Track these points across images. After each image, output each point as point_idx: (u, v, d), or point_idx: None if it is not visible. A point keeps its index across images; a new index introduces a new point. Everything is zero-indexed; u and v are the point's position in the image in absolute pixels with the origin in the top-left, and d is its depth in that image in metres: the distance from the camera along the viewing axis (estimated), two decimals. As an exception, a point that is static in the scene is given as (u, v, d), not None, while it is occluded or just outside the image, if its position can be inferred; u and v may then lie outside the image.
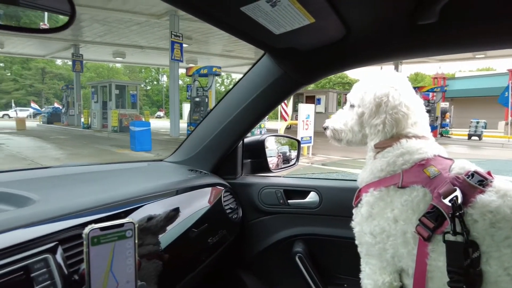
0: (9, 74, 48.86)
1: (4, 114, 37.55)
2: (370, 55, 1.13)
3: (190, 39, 17.28)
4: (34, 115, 32.35)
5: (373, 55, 1.12)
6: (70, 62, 23.45)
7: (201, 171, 1.44)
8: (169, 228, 1.00)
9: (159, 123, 25.33)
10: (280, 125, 11.44)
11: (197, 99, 13.42)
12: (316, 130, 10.27)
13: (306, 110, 9.54)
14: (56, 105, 27.12)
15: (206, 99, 13.31)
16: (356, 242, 1.03)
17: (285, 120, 12.27)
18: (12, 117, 31.71)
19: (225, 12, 0.83)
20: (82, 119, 20.43)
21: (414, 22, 0.86)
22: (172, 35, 13.06)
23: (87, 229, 0.62)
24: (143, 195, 1.00)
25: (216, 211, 1.30)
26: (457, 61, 25.97)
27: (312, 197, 1.46)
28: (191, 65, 18.58)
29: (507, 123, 16.97)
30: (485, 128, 17.19)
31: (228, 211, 1.36)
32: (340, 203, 1.38)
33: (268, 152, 1.72)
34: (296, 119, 9.78)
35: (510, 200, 0.78)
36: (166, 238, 0.97)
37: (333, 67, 1.23)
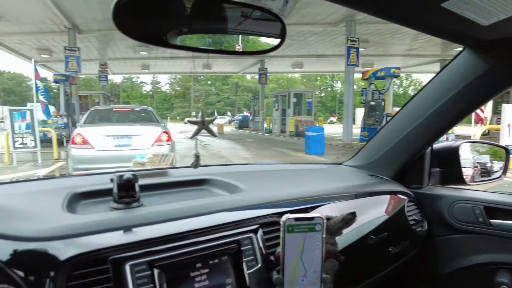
0: (213, 89, 60.95)
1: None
2: None
3: (367, 42, 16.85)
4: (229, 122, 39.06)
5: None
6: (256, 76, 27.06)
7: (382, 177, 1.38)
8: (346, 230, 1.00)
9: (332, 129, 25.75)
10: (474, 131, 9.62)
11: (372, 103, 12.91)
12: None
13: (514, 112, 7.65)
14: (245, 113, 31.91)
15: (383, 102, 12.62)
16: None
17: (482, 124, 10.21)
18: (214, 123, 39.29)
19: (424, 12, 0.78)
20: (265, 125, 23.09)
21: None
22: (349, 41, 13.08)
23: (284, 218, 0.71)
24: (325, 194, 1.06)
25: (398, 220, 1.23)
26: None
27: None
28: (367, 68, 18.06)
29: None
30: None
31: (411, 222, 1.26)
32: None
33: (461, 162, 1.50)
34: (497, 123, 7.98)
35: None
36: (343, 239, 0.98)
37: None
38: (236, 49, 0.76)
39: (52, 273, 0.57)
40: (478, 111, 10.35)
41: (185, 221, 0.75)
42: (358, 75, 17.15)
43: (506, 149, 1.56)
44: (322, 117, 30.70)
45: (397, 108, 11.33)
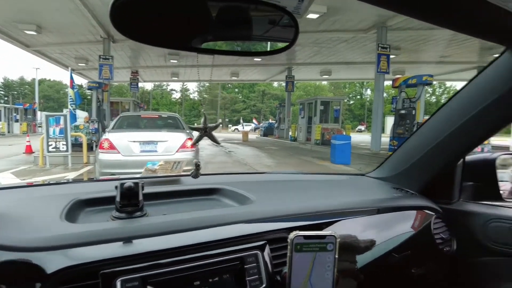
0: (240, 97, 61.58)
1: (235, 129, 47.53)
2: None
3: (398, 49, 16.39)
4: (255, 129, 39.18)
5: None
6: (283, 84, 26.98)
7: (408, 190, 1.28)
8: (366, 247, 0.93)
9: (360, 137, 25.19)
10: (514, 143, 9.04)
11: (403, 111, 12.48)
12: None
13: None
14: (270, 121, 31.86)
15: (413, 111, 12.16)
16: None
17: (523, 136, 9.58)
18: (240, 130, 39.48)
19: (460, 7, 0.69)
20: (290, 133, 22.91)
21: None
22: (379, 48, 12.79)
23: (292, 235, 0.65)
24: (343, 208, 0.98)
25: (422, 238, 1.12)
26: None
27: None
28: (397, 76, 17.56)
29: None
30: None
31: (438, 241, 1.15)
32: None
33: (498, 175, 1.37)
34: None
35: None
36: (362, 258, 0.91)
37: None
38: (242, 50, 0.71)
39: (38, 286, 0.54)
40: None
41: (188, 233, 0.71)
42: (388, 83, 16.67)
43: (550, 163, 1.41)
44: (349, 125, 30.07)
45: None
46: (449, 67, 21.40)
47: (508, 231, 1.15)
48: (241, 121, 47.80)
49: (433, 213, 1.19)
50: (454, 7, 0.68)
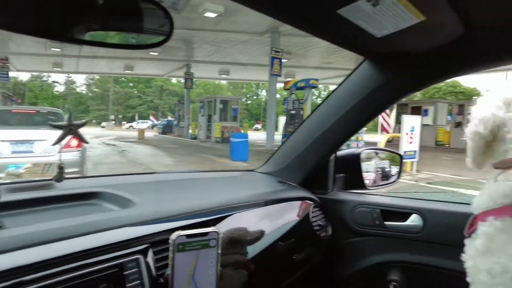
0: (135, 92, 57.81)
1: (129, 126, 44.35)
2: (495, 57, 0.94)
3: (290, 53, 17.68)
4: (152, 126, 37.35)
5: (498, 56, 0.93)
6: (183, 80, 26.44)
7: (290, 183, 1.40)
8: (255, 239, 0.98)
9: (256, 135, 26.41)
10: (380, 139, 10.72)
11: (293, 112, 13.60)
12: (422, 144, 9.28)
13: (411, 122, 8.72)
14: (169, 118, 30.81)
15: (301, 111, 13.37)
16: (468, 279, 0.86)
17: (387, 132, 11.44)
18: (135, 128, 37.08)
19: (321, 16, 0.78)
20: (190, 131, 22.61)
21: None
22: (273, 51, 13.58)
23: (173, 235, 0.64)
24: (232, 204, 1.01)
25: (303, 226, 1.24)
26: None
27: (414, 220, 1.28)
28: (289, 79, 18.94)
29: None
30: None
31: (316, 228, 1.29)
32: (448, 229, 1.18)
33: (364, 167, 1.59)
34: (399, 132, 9.02)
35: None
36: (252, 249, 0.95)
37: (447, 72, 1.06)
38: (114, 42, 0.67)
39: None
40: (383, 121, 11.57)
41: (58, 244, 0.63)
42: (281, 85, 17.86)
43: (400, 155, 1.71)
44: (247, 124, 31.27)
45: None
46: (333, 72, 24.08)
47: (369, 214, 1.36)
48: (136, 118, 44.96)
49: (312, 203, 1.33)
50: (313, 17, 0.77)
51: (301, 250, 1.18)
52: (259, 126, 52.22)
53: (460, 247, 0.88)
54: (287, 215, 1.19)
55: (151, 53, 19.03)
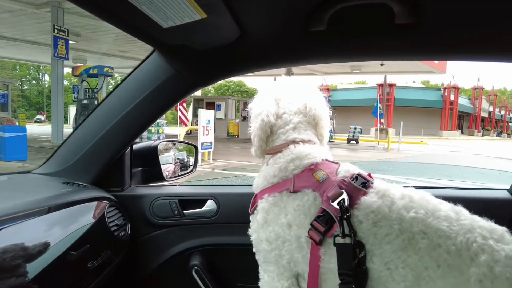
0: None
1: None
2: (265, 59, 1.12)
3: (78, 35, 15.50)
4: None
5: (267, 59, 1.11)
6: None
7: (80, 183, 1.23)
8: (36, 253, 0.83)
9: (40, 129, 22.05)
10: (179, 131, 11.13)
11: (85, 101, 12.15)
12: (216, 136, 10.29)
13: (207, 116, 9.49)
14: None
15: (96, 101, 12.14)
16: (254, 249, 1.01)
17: (185, 125, 12.00)
18: None
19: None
20: None
21: (307, 28, 0.86)
22: (55, 30, 11.52)
23: None
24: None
25: (98, 229, 1.12)
26: (339, 75, 29.27)
27: (210, 205, 1.39)
28: (78, 64, 16.70)
29: (377, 129, 20.78)
30: (361, 133, 19.84)
31: (113, 228, 1.19)
32: (237, 209, 1.35)
33: (164, 159, 1.60)
34: (197, 124, 9.64)
35: (388, 200, 0.84)
36: (34, 266, 0.81)
37: (228, 70, 1.18)
38: None
39: None
40: (181, 114, 12.05)
41: None
42: (69, 70, 15.52)
43: (195, 146, 1.82)
44: (24, 114, 25.51)
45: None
46: (131, 62, 22.90)
47: (168, 205, 1.38)
48: None
49: (107, 202, 1.22)
50: (104, 2, 0.69)
51: (97, 256, 1.07)
52: (42, 118, 43.88)
53: (247, 223, 1.02)
54: (78, 220, 1.06)
55: None
